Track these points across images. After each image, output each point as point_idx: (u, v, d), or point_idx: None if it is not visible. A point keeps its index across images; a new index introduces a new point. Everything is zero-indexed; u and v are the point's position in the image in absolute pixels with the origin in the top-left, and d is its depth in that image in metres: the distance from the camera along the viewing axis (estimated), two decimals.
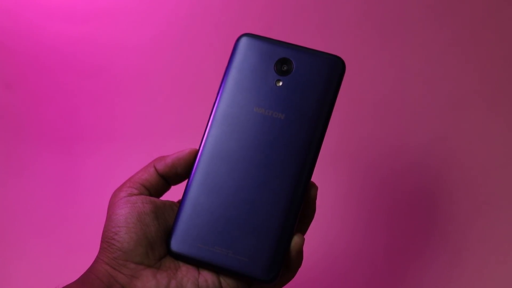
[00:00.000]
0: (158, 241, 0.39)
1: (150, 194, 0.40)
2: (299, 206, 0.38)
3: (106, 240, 0.38)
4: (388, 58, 0.67)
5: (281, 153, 0.39)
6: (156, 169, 0.40)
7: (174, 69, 0.69)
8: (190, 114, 0.68)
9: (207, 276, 0.39)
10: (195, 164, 0.40)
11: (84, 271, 0.39)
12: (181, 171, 0.41)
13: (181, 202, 0.40)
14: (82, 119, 0.69)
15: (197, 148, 0.41)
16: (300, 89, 0.40)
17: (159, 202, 0.40)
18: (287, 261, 0.39)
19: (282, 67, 0.40)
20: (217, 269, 0.38)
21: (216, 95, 0.41)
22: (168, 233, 0.39)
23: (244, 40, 0.41)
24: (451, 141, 0.64)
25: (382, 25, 0.68)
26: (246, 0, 0.69)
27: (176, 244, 0.39)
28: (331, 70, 0.40)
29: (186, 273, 0.39)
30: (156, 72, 0.70)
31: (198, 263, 0.38)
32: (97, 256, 0.39)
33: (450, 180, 0.63)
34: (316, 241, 0.61)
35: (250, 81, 0.40)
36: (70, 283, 0.38)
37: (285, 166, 0.39)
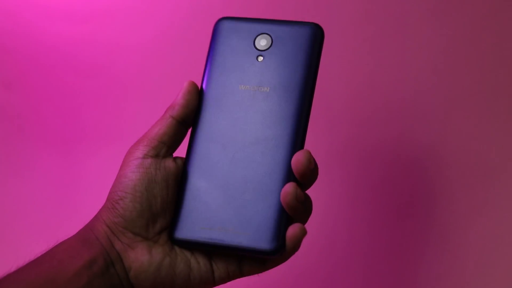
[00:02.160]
0: (162, 213, 0.38)
1: (168, 148, 0.40)
2: (294, 177, 0.38)
3: (111, 201, 0.38)
4: (388, 58, 0.67)
5: (271, 126, 0.39)
6: (173, 118, 0.40)
7: (175, 69, 0.69)
8: None
9: (199, 258, 0.39)
10: (189, 148, 0.40)
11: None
12: (195, 103, 0.40)
13: (178, 188, 0.39)
14: (82, 119, 0.69)
15: (192, 128, 0.41)
16: (281, 60, 0.40)
17: (174, 168, 0.39)
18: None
19: (261, 42, 0.41)
20: (222, 249, 0.38)
21: (201, 79, 0.41)
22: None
23: (221, 23, 0.42)
24: (451, 141, 0.64)
25: (382, 25, 0.67)
26: (246, 0, 0.69)
27: (177, 231, 0.39)
28: (309, 37, 0.40)
29: (181, 251, 0.39)
30: (157, 72, 0.70)
31: (202, 246, 0.38)
32: (99, 212, 0.39)
33: (450, 179, 0.63)
34: (314, 240, 0.61)
35: (232, 61, 0.41)
36: (70, 238, 0.38)
37: (277, 138, 0.39)
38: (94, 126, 0.69)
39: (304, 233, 0.37)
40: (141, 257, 0.37)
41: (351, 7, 0.68)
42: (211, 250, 0.39)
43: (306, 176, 0.38)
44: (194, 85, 0.41)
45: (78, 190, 0.67)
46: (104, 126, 0.69)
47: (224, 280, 0.39)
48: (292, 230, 0.37)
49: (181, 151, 0.41)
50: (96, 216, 0.39)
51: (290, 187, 0.37)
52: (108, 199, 0.39)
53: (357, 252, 0.62)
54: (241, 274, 0.40)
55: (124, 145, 0.70)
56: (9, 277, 0.36)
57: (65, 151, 0.68)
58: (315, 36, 0.40)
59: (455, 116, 0.65)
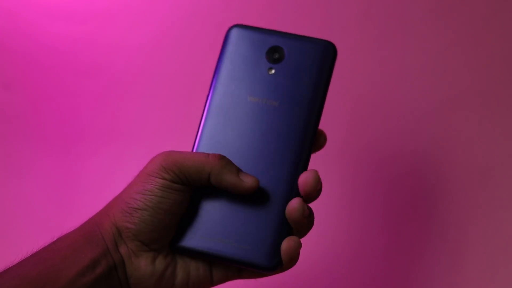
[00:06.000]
0: (175, 228, 0.38)
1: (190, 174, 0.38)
2: (297, 192, 0.38)
3: (127, 205, 0.37)
4: (389, 58, 0.67)
5: (277, 140, 0.39)
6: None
7: (175, 69, 0.69)
8: (190, 114, 0.67)
9: (199, 264, 0.39)
10: None
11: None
12: None
13: None
14: (82, 119, 0.69)
15: (193, 139, 0.40)
16: (293, 75, 0.40)
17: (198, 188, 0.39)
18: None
19: (274, 55, 0.40)
20: (220, 259, 0.38)
21: (209, 86, 0.41)
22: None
23: (234, 31, 0.41)
24: (451, 141, 0.64)
25: (383, 25, 0.67)
26: (246, 1, 0.69)
27: (177, 238, 0.38)
28: (322, 55, 0.40)
29: (181, 258, 0.39)
30: (157, 72, 0.70)
31: (201, 255, 0.38)
32: (109, 209, 0.38)
33: (450, 180, 0.63)
34: (314, 241, 0.61)
35: (243, 71, 0.40)
36: (74, 231, 0.37)
37: (282, 153, 0.39)
38: (93, 126, 0.69)
39: (299, 245, 0.37)
40: (144, 267, 0.37)
41: (351, 7, 0.68)
42: (209, 260, 0.39)
43: (312, 196, 0.38)
44: None
45: (77, 189, 0.67)
46: (104, 126, 0.69)
47: (222, 282, 0.40)
48: (287, 243, 0.37)
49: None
50: (104, 211, 0.38)
51: (297, 203, 0.37)
52: (122, 200, 0.37)
53: (356, 253, 0.62)
54: (239, 277, 0.40)
55: (123, 144, 0.70)
56: (10, 270, 0.35)
57: (64, 151, 0.68)
58: (328, 54, 0.40)
59: (456, 116, 0.65)
